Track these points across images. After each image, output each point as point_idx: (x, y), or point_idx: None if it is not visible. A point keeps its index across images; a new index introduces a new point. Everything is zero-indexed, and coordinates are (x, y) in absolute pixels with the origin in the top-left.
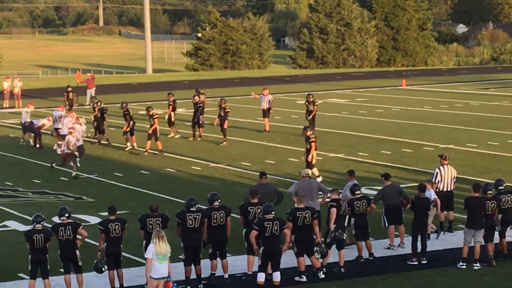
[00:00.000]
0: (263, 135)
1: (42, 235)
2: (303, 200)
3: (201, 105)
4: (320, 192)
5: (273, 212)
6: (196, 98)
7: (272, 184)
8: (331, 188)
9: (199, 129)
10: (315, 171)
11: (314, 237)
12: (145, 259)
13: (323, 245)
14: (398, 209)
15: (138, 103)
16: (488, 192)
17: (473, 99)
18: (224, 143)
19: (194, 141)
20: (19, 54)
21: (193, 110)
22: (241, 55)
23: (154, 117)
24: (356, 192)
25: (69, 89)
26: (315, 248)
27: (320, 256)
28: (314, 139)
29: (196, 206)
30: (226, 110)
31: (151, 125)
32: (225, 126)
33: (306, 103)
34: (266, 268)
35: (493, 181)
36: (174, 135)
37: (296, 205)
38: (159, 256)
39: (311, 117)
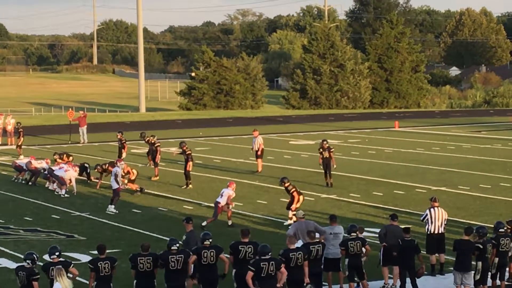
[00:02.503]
0: (255, 176)
1: (24, 273)
2: (295, 241)
3: (159, 144)
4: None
5: (269, 254)
6: (151, 138)
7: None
8: (324, 230)
9: (156, 169)
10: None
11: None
12: None
13: (311, 286)
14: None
15: (131, 142)
16: (487, 235)
17: (466, 141)
18: (190, 186)
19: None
20: (12, 91)
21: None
22: (234, 95)
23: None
24: (352, 234)
25: (20, 124)
26: None
27: None
28: (294, 189)
29: (178, 245)
30: (187, 153)
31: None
32: (189, 168)
33: (321, 150)
34: None
35: (482, 225)
36: None
37: (288, 247)
38: None
39: (326, 164)
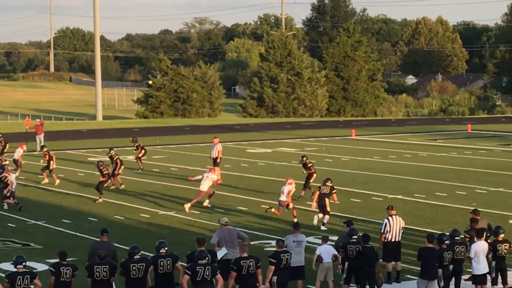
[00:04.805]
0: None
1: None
2: (246, 249)
3: (118, 156)
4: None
5: (206, 259)
6: (112, 152)
7: (111, 243)
8: (247, 236)
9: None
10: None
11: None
12: None
13: None
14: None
15: (87, 150)
16: (445, 242)
17: (422, 150)
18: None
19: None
20: None
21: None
22: (191, 103)
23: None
24: (353, 237)
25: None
26: None
27: None
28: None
29: (140, 254)
30: (115, 159)
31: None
32: (120, 171)
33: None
34: None
35: (443, 232)
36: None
37: (240, 254)
38: None
39: (309, 180)
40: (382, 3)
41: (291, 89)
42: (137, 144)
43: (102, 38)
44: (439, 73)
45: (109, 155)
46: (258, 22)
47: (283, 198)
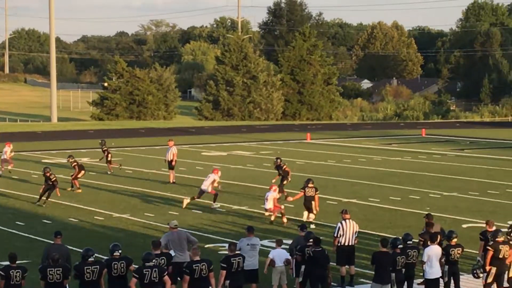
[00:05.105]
0: (167, 186)
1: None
2: (198, 253)
3: (76, 163)
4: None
5: (153, 261)
6: (70, 159)
7: (65, 245)
8: (196, 240)
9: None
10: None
11: None
12: None
13: None
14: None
15: (42, 152)
16: (399, 246)
17: (376, 154)
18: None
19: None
20: None
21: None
22: (147, 105)
23: None
24: (311, 240)
25: None
26: None
27: None
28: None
29: (94, 256)
30: (73, 165)
31: None
32: (79, 176)
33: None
34: None
35: (396, 236)
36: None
37: (192, 258)
38: None
39: (283, 182)
40: (338, 7)
41: (246, 92)
42: (105, 148)
43: (58, 40)
44: (394, 78)
45: (69, 162)
46: (214, 25)
47: (268, 205)
